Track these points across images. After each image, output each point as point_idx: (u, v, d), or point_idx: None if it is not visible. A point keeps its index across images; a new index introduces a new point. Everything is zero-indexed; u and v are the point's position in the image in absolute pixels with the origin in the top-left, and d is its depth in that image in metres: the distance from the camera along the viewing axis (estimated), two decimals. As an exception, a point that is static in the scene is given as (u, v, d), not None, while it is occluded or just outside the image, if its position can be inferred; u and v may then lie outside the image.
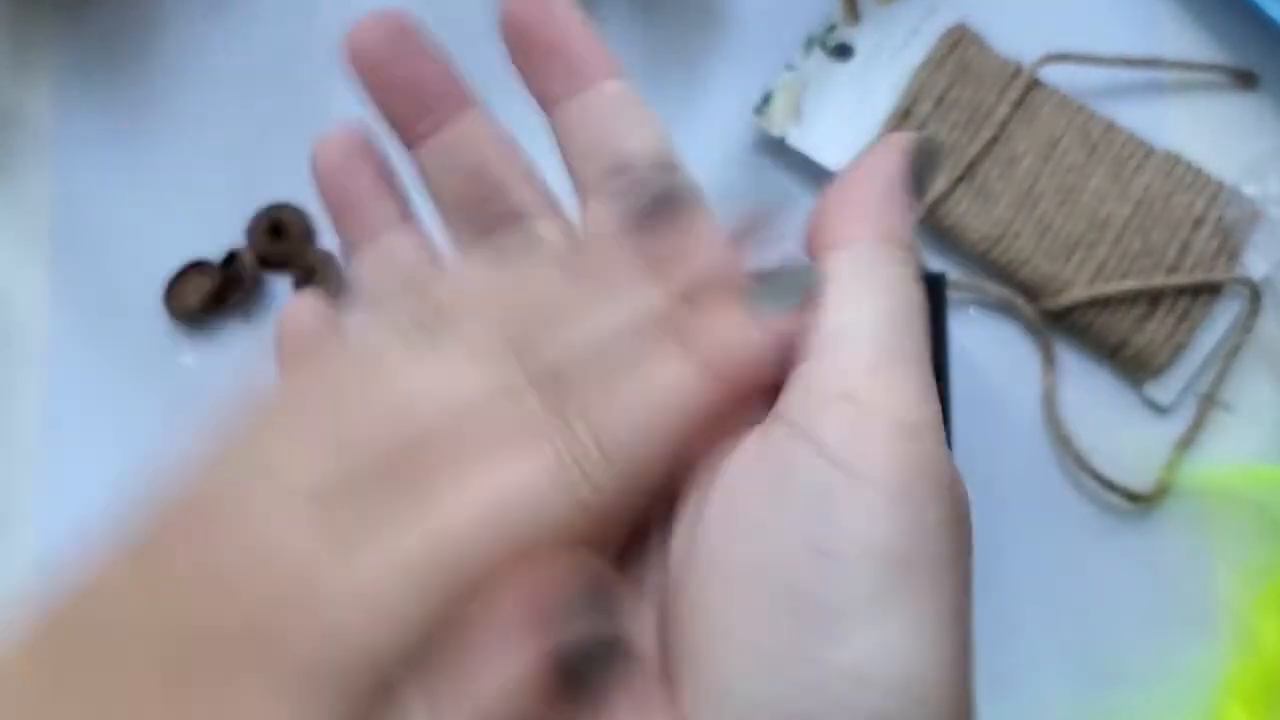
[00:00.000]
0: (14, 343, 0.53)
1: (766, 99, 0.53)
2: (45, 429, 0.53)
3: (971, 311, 0.52)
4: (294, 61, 0.55)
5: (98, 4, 0.56)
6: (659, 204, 0.26)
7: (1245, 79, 0.54)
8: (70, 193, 0.55)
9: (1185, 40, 0.55)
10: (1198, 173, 0.52)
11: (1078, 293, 0.51)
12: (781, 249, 0.27)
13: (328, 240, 0.54)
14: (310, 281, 0.52)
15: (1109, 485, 0.50)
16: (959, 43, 0.53)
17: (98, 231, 0.54)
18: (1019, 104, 0.52)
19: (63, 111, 0.55)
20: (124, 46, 0.56)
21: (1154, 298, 0.51)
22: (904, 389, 0.23)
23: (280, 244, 0.53)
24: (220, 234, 0.53)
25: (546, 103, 0.29)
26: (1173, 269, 0.51)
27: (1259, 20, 0.53)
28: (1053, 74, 0.53)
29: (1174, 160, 0.52)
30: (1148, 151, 0.52)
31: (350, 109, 0.55)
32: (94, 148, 0.55)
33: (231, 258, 0.53)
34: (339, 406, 0.23)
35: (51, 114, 0.55)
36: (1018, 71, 0.53)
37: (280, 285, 0.54)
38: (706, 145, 0.54)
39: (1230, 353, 0.51)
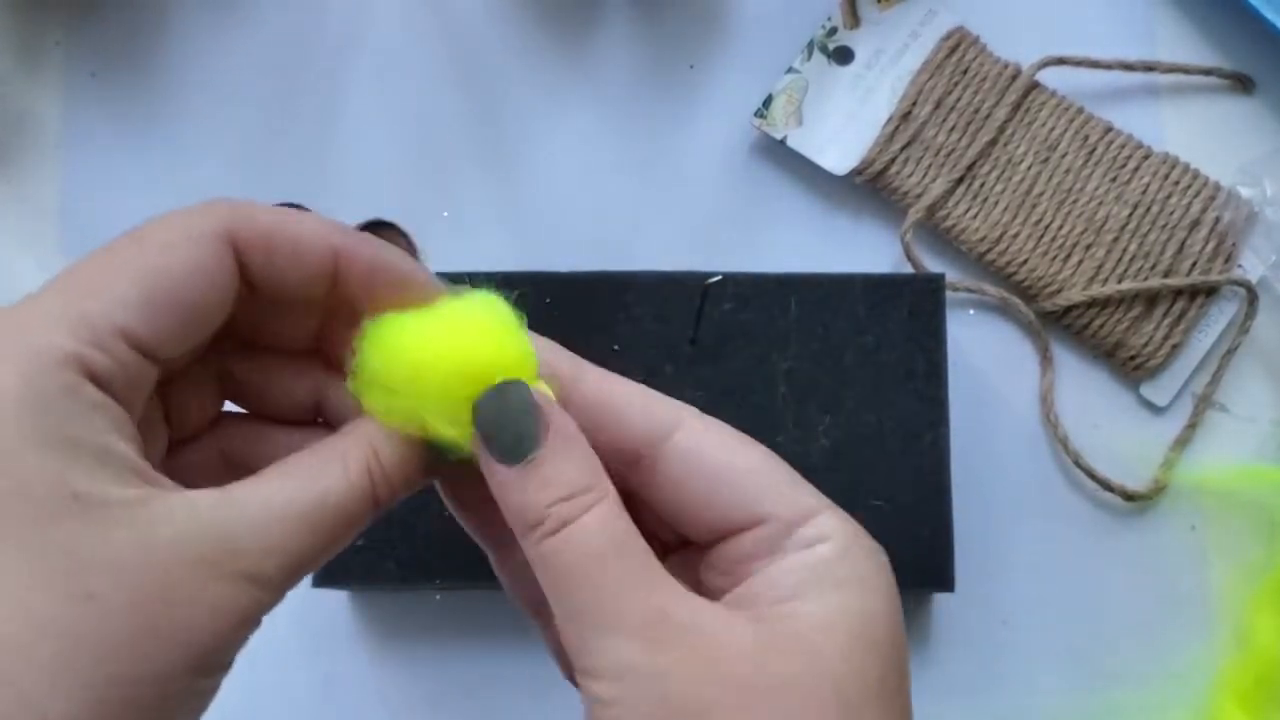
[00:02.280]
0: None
1: (767, 101, 0.53)
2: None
3: (970, 312, 0.53)
4: (300, 64, 0.56)
5: (107, 8, 0.57)
6: None
7: (1242, 83, 0.54)
8: (78, 193, 0.55)
9: (1183, 44, 0.55)
10: (1195, 175, 0.52)
11: (1075, 294, 0.51)
12: None
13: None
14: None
15: (1105, 484, 0.50)
16: (958, 46, 0.54)
17: (105, 232, 0.55)
18: (1018, 107, 0.53)
19: (71, 114, 0.56)
20: (132, 50, 0.56)
21: (1151, 299, 0.51)
22: None
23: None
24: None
25: None
26: (1169, 270, 0.51)
27: (1256, 25, 0.53)
28: (1051, 77, 0.54)
29: (1171, 163, 0.52)
30: (1145, 154, 0.53)
31: (357, 112, 0.56)
32: (102, 149, 0.55)
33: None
34: None
35: (60, 117, 0.56)
36: (1016, 74, 0.53)
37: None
38: (708, 147, 0.54)
39: (1226, 354, 0.51)
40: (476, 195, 0.55)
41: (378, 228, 0.53)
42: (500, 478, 0.27)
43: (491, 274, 0.50)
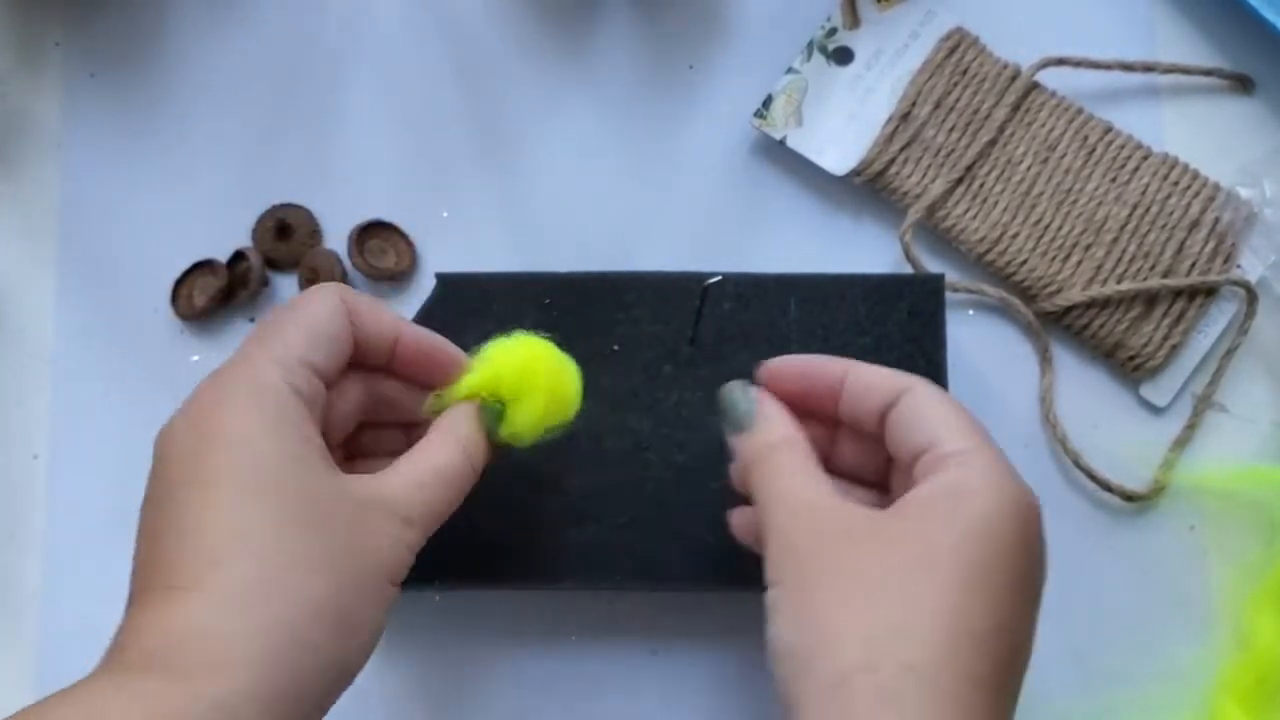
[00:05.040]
0: (21, 342, 0.54)
1: (767, 102, 0.53)
2: (52, 428, 0.53)
3: (970, 312, 0.53)
4: (300, 64, 0.56)
5: (107, 8, 0.57)
6: None
7: (1242, 83, 0.54)
8: (78, 193, 0.55)
9: (1183, 45, 0.55)
10: (1194, 175, 0.52)
11: (1075, 294, 0.51)
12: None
13: (333, 240, 0.54)
14: (316, 281, 0.53)
15: (1105, 485, 0.50)
16: (958, 46, 0.54)
17: (105, 232, 0.55)
18: (1017, 107, 0.53)
19: (71, 114, 0.56)
20: (132, 50, 0.56)
21: (1150, 299, 0.51)
22: None
23: (286, 244, 0.53)
24: (227, 234, 0.54)
25: None
26: (1169, 271, 0.51)
27: (1256, 26, 0.53)
28: (1051, 77, 0.54)
29: (1171, 163, 0.52)
30: (1145, 154, 0.53)
31: (357, 112, 0.56)
32: (101, 149, 0.55)
33: (238, 257, 0.53)
34: None
35: (60, 117, 0.56)
36: (1016, 75, 0.53)
37: (287, 285, 0.54)
38: (707, 147, 0.54)
39: (1225, 354, 0.51)
40: (476, 195, 0.55)
41: (377, 228, 0.53)
42: (735, 440, 0.41)
43: (492, 274, 0.50)
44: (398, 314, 0.41)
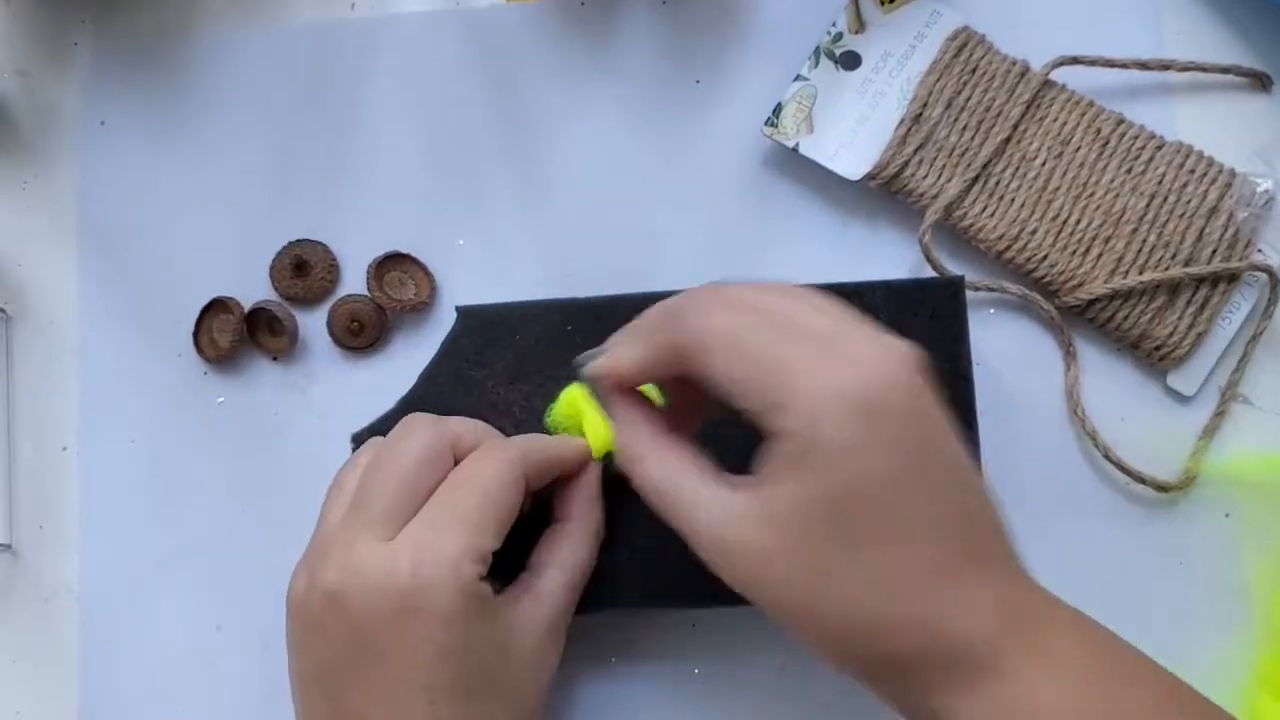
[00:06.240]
0: (50, 336, 0.54)
1: (777, 110, 0.53)
2: (78, 451, 0.54)
3: (991, 311, 0.53)
4: (325, 67, 0.56)
5: (130, 3, 0.57)
6: None
7: (1261, 80, 0.54)
8: (97, 190, 0.56)
9: (1188, 38, 0.54)
10: (1210, 162, 0.52)
11: (1096, 287, 0.51)
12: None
13: (350, 273, 0.54)
14: (363, 331, 0.53)
15: (1137, 477, 0.50)
16: (965, 45, 0.53)
17: (124, 229, 0.55)
18: (1030, 104, 0.53)
19: (92, 111, 0.56)
20: (155, 47, 0.56)
21: (1173, 289, 0.51)
22: None
23: (304, 280, 0.53)
24: (243, 271, 0.54)
25: None
26: (1190, 259, 0.51)
27: (1269, 20, 0.52)
28: (1062, 76, 0.53)
29: (1185, 151, 0.52)
30: (1159, 144, 0.52)
31: (367, 145, 0.55)
32: (121, 147, 0.56)
33: (259, 311, 0.53)
34: None
35: (81, 113, 0.56)
36: (1025, 71, 0.53)
37: (312, 321, 0.54)
38: (720, 160, 0.54)
39: (1250, 340, 0.51)
40: (491, 220, 0.55)
41: (395, 259, 0.53)
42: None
43: (512, 304, 0.50)
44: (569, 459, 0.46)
